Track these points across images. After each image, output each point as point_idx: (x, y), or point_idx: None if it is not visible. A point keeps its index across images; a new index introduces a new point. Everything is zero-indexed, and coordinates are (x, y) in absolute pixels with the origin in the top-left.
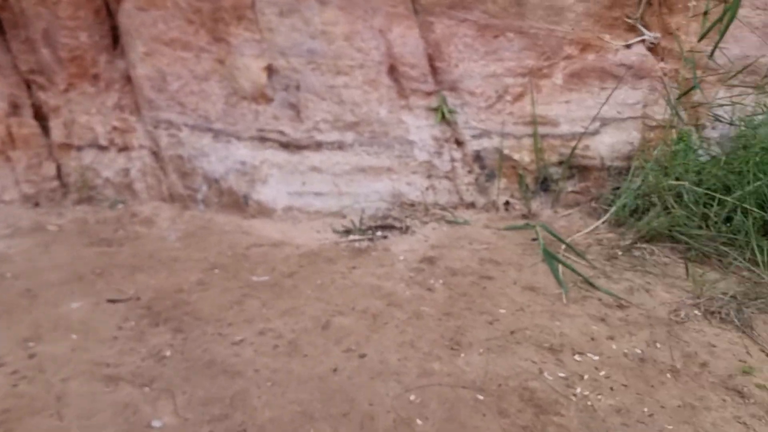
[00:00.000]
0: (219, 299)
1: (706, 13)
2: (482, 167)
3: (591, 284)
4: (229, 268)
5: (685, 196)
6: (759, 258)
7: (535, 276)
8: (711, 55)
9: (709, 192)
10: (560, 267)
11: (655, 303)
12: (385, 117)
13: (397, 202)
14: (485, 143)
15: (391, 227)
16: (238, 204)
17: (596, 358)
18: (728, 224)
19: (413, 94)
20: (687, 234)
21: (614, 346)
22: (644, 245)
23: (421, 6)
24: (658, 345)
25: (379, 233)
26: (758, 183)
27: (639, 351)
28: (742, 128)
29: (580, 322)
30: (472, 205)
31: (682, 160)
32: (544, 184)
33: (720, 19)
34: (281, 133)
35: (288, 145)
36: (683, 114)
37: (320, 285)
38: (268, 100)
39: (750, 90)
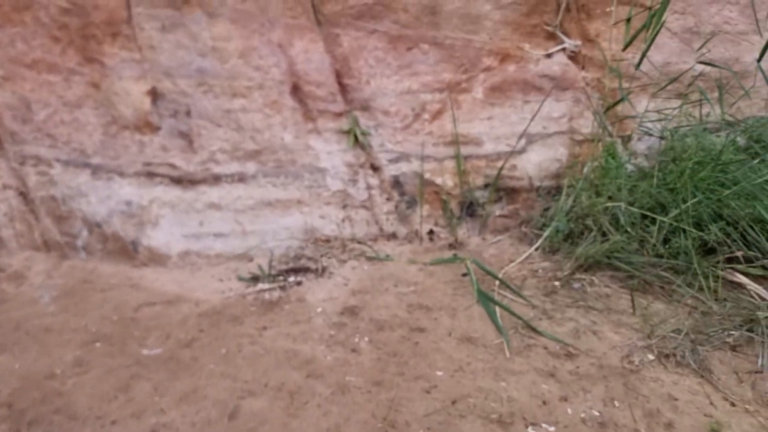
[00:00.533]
0: (100, 385)
1: (629, 20)
2: (402, 194)
3: (533, 329)
4: (115, 338)
5: (622, 219)
6: (703, 283)
7: (472, 322)
8: (638, 65)
9: (645, 212)
10: (498, 309)
11: (605, 347)
12: (290, 143)
13: (310, 238)
14: (404, 167)
15: (305, 270)
16: (126, 251)
17: (552, 429)
18: (667, 246)
19: (321, 116)
20: (626, 261)
21: (569, 410)
22: (583, 275)
23: (325, 17)
24: (617, 403)
25: (292, 278)
26: (694, 200)
27: (597, 413)
28: (670, 140)
29: (527, 381)
30: (393, 236)
31: (613, 176)
32: (470, 209)
33: (645, 26)
34: (172, 166)
35: (180, 180)
36: (610, 126)
37: (225, 355)
38: (155, 129)
39: (674, 99)
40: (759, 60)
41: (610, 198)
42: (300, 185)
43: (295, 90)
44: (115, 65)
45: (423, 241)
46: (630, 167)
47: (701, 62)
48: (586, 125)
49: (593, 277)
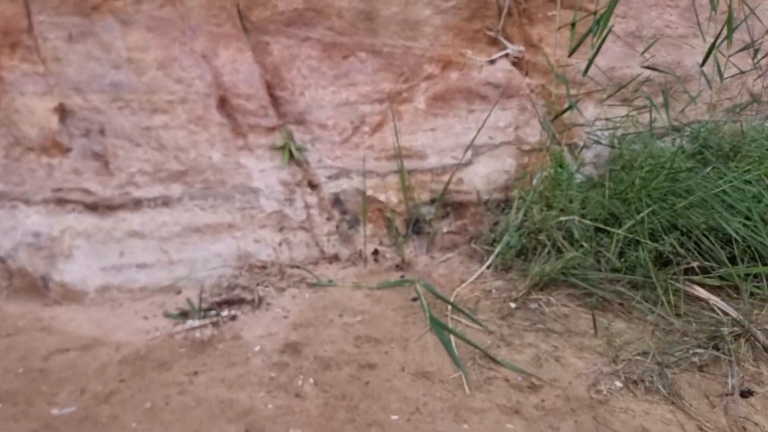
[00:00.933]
0: None
1: (574, 25)
2: (343, 212)
3: (492, 359)
4: (20, 396)
5: (576, 233)
6: (662, 297)
7: (426, 354)
8: (586, 72)
9: (598, 225)
10: (453, 337)
11: (570, 376)
12: (219, 162)
13: (244, 265)
14: (344, 184)
15: (240, 301)
16: (35, 288)
17: None
18: (623, 259)
19: (252, 132)
20: (583, 277)
21: None
22: (539, 294)
23: (253, 24)
24: None
25: (225, 312)
26: (648, 210)
27: None
28: (618, 148)
29: (491, 421)
30: (335, 258)
31: (564, 188)
32: (417, 226)
33: (591, 31)
34: (86, 191)
35: (96, 207)
36: (557, 135)
37: (150, 410)
38: (65, 150)
39: (619, 105)
40: (702, 64)
41: (562, 211)
42: (231, 207)
43: (223, 104)
44: (15, 80)
45: (368, 262)
46: (579, 177)
47: (645, 67)
48: (533, 134)
49: (550, 297)
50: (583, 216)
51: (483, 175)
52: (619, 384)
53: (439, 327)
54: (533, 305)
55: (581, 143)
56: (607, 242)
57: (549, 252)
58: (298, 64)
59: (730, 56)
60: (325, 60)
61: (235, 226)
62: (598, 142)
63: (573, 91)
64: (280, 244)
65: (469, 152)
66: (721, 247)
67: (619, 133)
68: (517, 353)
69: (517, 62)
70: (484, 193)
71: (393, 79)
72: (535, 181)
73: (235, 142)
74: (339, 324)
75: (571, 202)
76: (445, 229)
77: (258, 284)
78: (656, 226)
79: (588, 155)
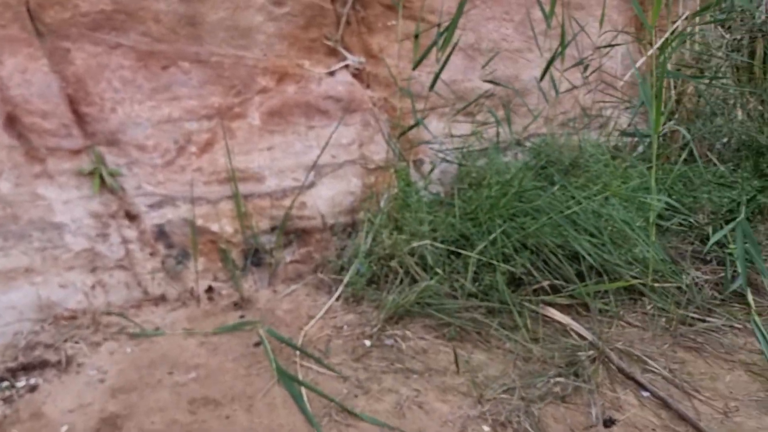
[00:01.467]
0: None
1: (417, 36)
2: (170, 246)
3: (350, 412)
4: None
5: (429, 258)
6: (519, 321)
7: (274, 413)
8: (432, 86)
9: (451, 249)
10: (304, 389)
11: (436, 425)
12: (10, 193)
13: (47, 317)
14: (169, 213)
15: (42, 365)
16: None
17: None
18: (477, 284)
19: (52, 156)
20: (438, 307)
21: None
22: (395, 328)
23: (48, 27)
24: None
25: (22, 382)
26: (500, 230)
27: None
28: (465, 165)
29: None
30: (162, 299)
31: (414, 209)
32: (256, 257)
33: (435, 45)
34: None
35: None
36: (403, 152)
37: None
38: None
39: (462, 119)
40: (541, 79)
41: (412, 235)
42: (28, 248)
43: (12, 122)
44: None
45: (201, 301)
46: (427, 195)
47: (486, 81)
48: (378, 151)
49: (406, 330)
50: (434, 239)
51: (327, 198)
52: (487, 428)
53: (287, 379)
54: (389, 341)
55: (427, 160)
56: (460, 266)
57: (402, 280)
58: (108, 75)
59: (564, 71)
60: (141, 71)
61: (33, 270)
62: (445, 160)
63: (418, 106)
64: (92, 287)
65: (312, 173)
66: (569, 265)
67: (464, 149)
68: (377, 402)
69: (358, 74)
70: (330, 217)
71: (223, 93)
72: (382, 203)
73: (29, 169)
74: (169, 384)
75: (421, 224)
76: (288, 259)
77: (66, 340)
78: (508, 247)
79: (434, 172)
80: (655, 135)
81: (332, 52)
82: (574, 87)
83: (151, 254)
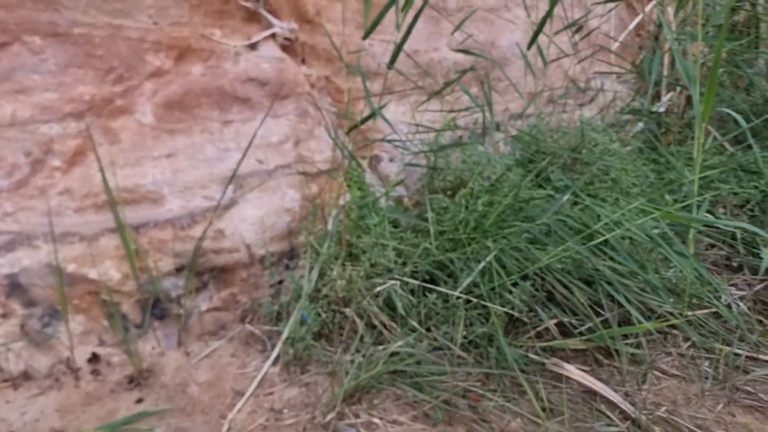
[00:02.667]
0: None
1: None
2: (30, 303)
3: None
4: None
5: (398, 304)
6: (525, 386)
7: None
8: (392, 62)
9: (426, 285)
10: None
11: None
12: None
13: None
14: (25, 258)
15: None
16: None
17: None
18: (465, 336)
19: None
20: (416, 374)
21: None
22: (357, 409)
23: None
24: None
25: None
26: (491, 255)
27: None
28: (435, 167)
29: None
30: (25, 378)
31: (376, 231)
32: (158, 308)
33: (399, 4)
34: None
35: None
36: (350, 145)
37: None
38: None
39: (426, 100)
40: (529, 46)
41: (373, 266)
42: None
43: None
44: None
45: (82, 378)
46: (389, 206)
47: (458, 50)
48: (321, 149)
49: (373, 412)
50: (403, 273)
51: (254, 220)
52: None
53: None
54: (350, 431)
55: (386, 156)
56: (440, 305)
57: (362, 337)
58: None
59: (555, 34)
60: None
61: None
62: (411, 164)
63: (373, 86)
64: None
65: (231, 187)
66: (580, 292)
67: (433, 141)
68: None
69: (290, 46)
70: (258, 246)
71: (96, 79)
72: (330, 222)
73: None
74: None
75: (384, 250)
76: (204, 307)
77: None
78: (503, 276)
79: (391, 169)
80: (701, 129)
81: (253, 17)
82: (567, 55)
83: (3, 316)
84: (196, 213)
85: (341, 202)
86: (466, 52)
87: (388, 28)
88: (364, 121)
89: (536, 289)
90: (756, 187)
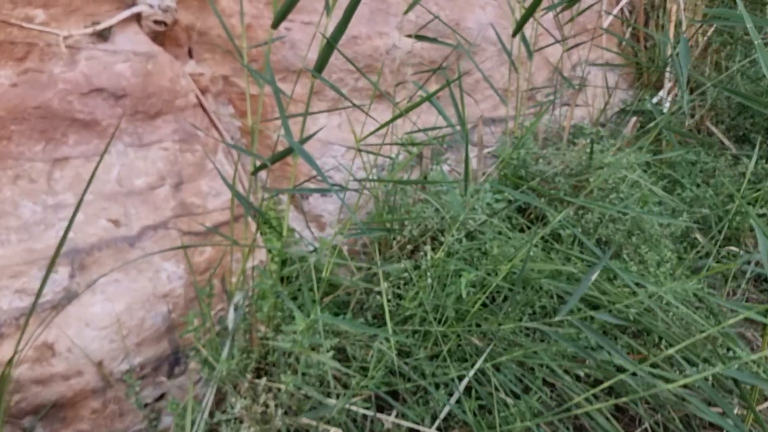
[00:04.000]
0: None
1: None
2: None
3: None
4: None
5: None
6: None
7: None
8: (320, 69)
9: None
10: None
11: None
12: None
13: None
14: None
15: None
16: None
17: None
18: None
19: None
20: None
21: None
22: None
23: None
24: None
25: None
26: (481, 360)
27: None
28: (388, 205)
29: None
30: None
31: (303, 324)
32: None
33: None
34: None
35: None
36: (263, 188)
37: None
38: None
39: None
40: (515, 34)
41: (307, 399)
42: None
43: None
44: None
45: None
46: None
47: (413, 36)
48: (217, 191)
49: None
50: (353, 396)
51: (106, 321)
52: None
53: None
54: None
55: (314, 186)
56: None
57: None
58: None
59: (542, 14)
60: None
61: None
62: (355, 200)
63: (296, 88)
64: None
65: (65, 270)
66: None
67: (382, 168)
68: None
69: (166, 33)
70: (116, 360)
71: None
72: (231, 310)
73: None
74: None
75: (319, 354)
76: None
77: None
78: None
79: (327, 208)
80: None
81: None
82: (557, 41)
83: None
84: (2, 320)
85: (252, 264)
86: (424, 38)
87: (312, 2)
88: (276, 159)
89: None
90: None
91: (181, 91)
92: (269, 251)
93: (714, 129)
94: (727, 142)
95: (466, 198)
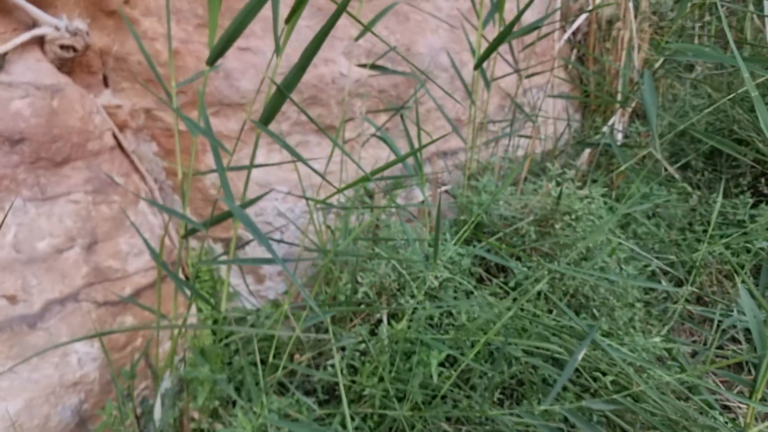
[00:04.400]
0: None
1: None
2: None
3: None
4: None
5: None
6: None
7: None
8: (268, 119)
9: None
10: None
11: None
12: None
13: None
14: None
15: None
16: None
17: None
18: None
19: None
20: None
21: None
22: None
23: None
24: None
25: None
26: None
27: None
28: (332, 261)
29: None
30: None
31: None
32: None
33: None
34: None
35: None
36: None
37: None
38: None
39: (314, 142)
40: (477, 66)
41: None
42: None
43: None
44: None
45: None
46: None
47: (371, 66)
48: (139, 249)
49: None
50: None
51: (0, 421)
52: None
53: None
54: None
55: (251, 235)
56: None
57: None
58: None
59: (500, 42)
60: None
61: None
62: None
63: (230, 124)
64: None
65: None
66: None
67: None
68: None
69: (76, 59)
70: None
71: None
72: (159, 405)
73: None
74: None
75: None
76: None
77: None
78: None
79: (268, 272)
80: None
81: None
82: (516, 71)
83: None
84: None
85: (181, 353)
86: (378, 68)
87: (250, 25)
88: (212, 223)
89: None
90: (748, 250)
91: (95, 132)
92: (202, 312)
93: (659, 157)
94: (672, 171)
95: (432, 263)
